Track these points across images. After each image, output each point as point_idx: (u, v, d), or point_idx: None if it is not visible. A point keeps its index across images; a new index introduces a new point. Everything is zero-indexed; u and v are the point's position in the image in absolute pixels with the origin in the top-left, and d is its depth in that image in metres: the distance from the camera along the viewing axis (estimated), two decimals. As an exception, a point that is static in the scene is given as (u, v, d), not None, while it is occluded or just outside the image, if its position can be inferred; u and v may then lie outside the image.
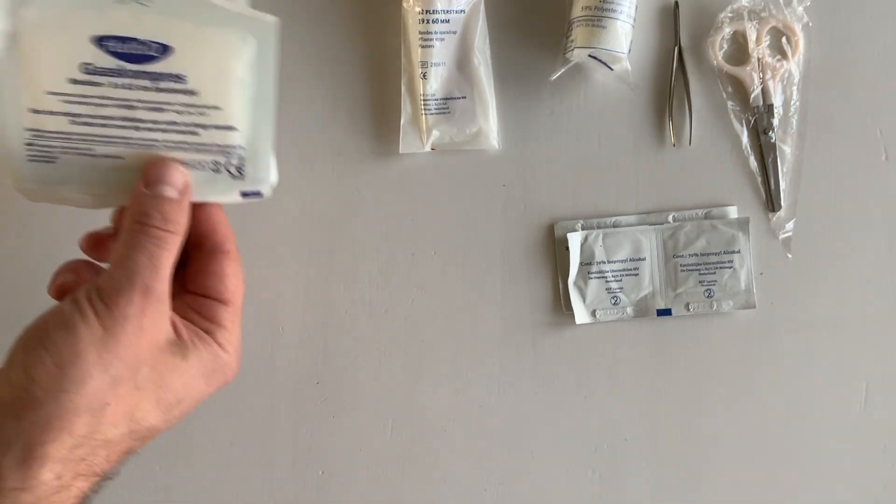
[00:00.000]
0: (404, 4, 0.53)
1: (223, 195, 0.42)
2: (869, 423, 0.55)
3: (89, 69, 0.38)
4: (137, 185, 0.39)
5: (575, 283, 0.55)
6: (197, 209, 0.41)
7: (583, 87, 0.56)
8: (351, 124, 0.56)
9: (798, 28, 0.55)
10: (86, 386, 0.35)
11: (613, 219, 0.56)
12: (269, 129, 0.41)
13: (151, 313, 0.37)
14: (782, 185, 0.55)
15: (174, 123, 0.39)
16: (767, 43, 0.55)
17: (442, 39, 0.54)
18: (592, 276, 0.55)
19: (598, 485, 0.55)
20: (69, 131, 0.39)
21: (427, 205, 0.56)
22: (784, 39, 0.55)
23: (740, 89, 0.55)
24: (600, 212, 0.56)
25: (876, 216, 0.55)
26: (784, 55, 0.55)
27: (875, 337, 0.55)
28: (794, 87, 0.55)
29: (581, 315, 0.55)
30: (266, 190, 0.42)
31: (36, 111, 0.39)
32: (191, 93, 0.39)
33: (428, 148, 0.55)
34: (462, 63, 0.55)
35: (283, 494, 0.56)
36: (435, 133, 0.55)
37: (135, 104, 0.39)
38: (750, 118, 0.55)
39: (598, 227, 0.55)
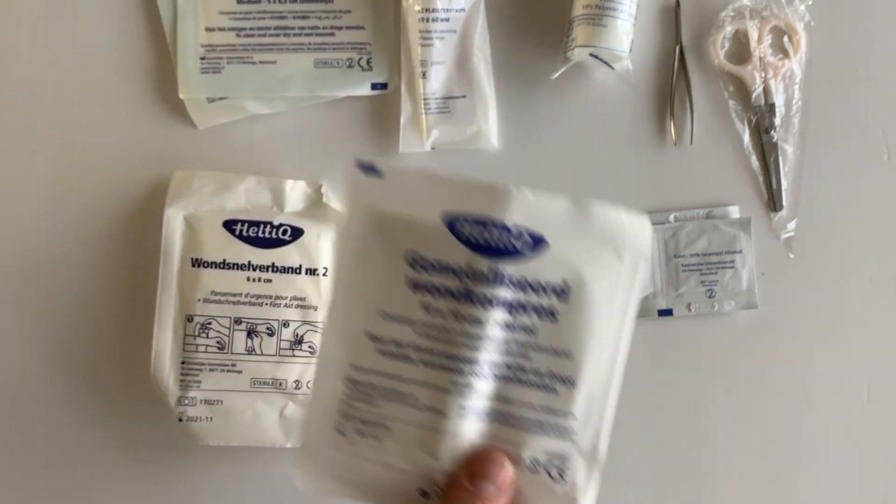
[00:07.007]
0: (404, 3, 0.53)
1: (357, 88, 0.53)
2: (871, 423, 0.55)
3: None
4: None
5: (575, 283, 0.55)
6: None
7: (583, 87, 0.55)
8: (351, 124, 0.56)
9: (800, 27, 0.55)
10: None
11: (614, 218, 0.55)
12: (391, 25, 0.53)
13: None
14: (784, 184, 0.55)
15: (316, 27, 0.52)
16: (769, 42, 0.55)
17: (442, 38, 0.54)
18: (593, 276, 0.55)
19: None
20: (235, 43, 0.52)
21: (427, 205, 0.56)
22: (786, 38, 0.55)
23: (742, 88, 0.55)
24: (601, 211, 0.55)
25: (877, 216, 0.55)
26: (786, 54, 0.55)
27: (877, 337, 0.55)
28: (796, 87, 0.55)
29: (582, 315, 0.55)
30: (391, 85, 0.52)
31: (210, 29, 0.52)
32: (328, 0, 0.52)
33: (428, 147, 0.55)
34: (462, 62, 0.54)
35: (284, 493, 0.56)
36: (435, 132, 0.54)
37: (286, 14, 0.52)
38: (751, 117, 0.55)
39: (599, 227, 0.55)
